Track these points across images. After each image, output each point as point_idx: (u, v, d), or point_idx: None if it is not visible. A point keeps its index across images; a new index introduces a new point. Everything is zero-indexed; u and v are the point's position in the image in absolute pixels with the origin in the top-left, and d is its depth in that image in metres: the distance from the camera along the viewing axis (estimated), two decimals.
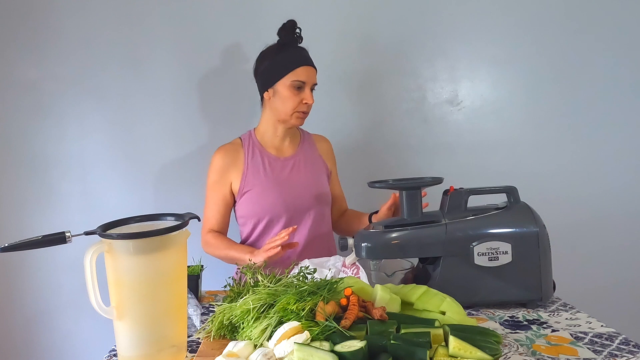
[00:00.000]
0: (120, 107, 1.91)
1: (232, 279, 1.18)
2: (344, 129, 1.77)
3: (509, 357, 0.91)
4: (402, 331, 0.86)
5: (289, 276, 1.08)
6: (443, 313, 0.97)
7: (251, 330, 0.92)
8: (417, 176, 1.40)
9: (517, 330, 1.04)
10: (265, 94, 1.53)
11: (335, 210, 1.71)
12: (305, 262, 1.27)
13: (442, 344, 0.85)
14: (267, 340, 0.89)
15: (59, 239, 0.86)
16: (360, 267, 1.23)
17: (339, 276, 1.22)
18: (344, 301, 0.93)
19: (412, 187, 1.21)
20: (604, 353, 0.92)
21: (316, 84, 1.51)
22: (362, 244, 1.17)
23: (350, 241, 1.20)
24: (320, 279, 1.05)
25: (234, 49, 1.90)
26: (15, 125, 1.90)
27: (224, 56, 1.91)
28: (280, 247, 1.28)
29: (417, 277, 1.26)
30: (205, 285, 1.35)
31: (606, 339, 0.99)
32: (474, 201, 1.20)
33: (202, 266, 1.32)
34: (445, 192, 1.25)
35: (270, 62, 1.48)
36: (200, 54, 1.90)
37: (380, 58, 1.93)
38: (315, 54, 1.52)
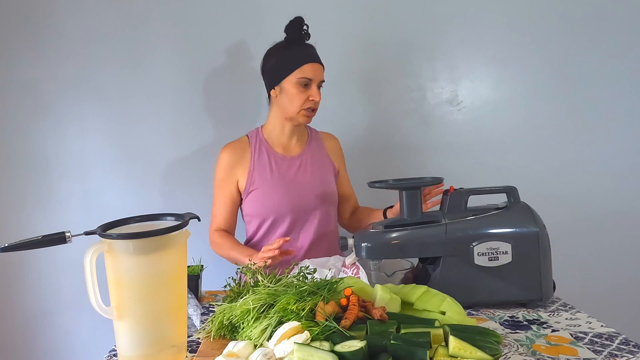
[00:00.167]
0: (120, 107, 1.91)
1: (232, 279, 1.18)
2: (343, 129, 1.77)
3: (509, 357, 0.91)
4: (402, 331, 0.86)
5: (289, 276, 1.08)
6: (443, 313, 0.97)
7: (251, 330, 0.92)
8: (417, 176, 1.40)
9: (517, 330, 1.04)
10: (272, 92, 1.52)
11: (347, 208, 1.69)
12: (305, 262, 1.27)
13: (442, 344, 0.85)
14: (267, 340, 0.89)
15: (59, 239, 0.86)
16: (360, 267, 1.23)
17: (339, 276, 1.22)
18: (344, 301, 0.93)
19: (412, 187, 1.21)
20: (604, 353, 0.92)
21: (324, 81, 1.50)
22: (362, 244, 1.17)
23: (350, 241, 1.20)
24: (320, 279, 1.05)
25: (234, 48, 1.90)
26: (15, 125, 1.90)
27: (224, 55, 1.91)
28: (277, 252, 1.26)
29: (417, 277, 1.26)
30: (205, 285, 1.35)
31: (606, 339, 0.99)
32: (474, 201, 1.20)
33: (202, 266, 1.33)
34: (445, 192, 1.25)
35: (276, 60, 1.48)
36: (201, 52, 1.90)
37: (380, 58, 1.93)
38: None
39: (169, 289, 0.90)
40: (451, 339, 0.82)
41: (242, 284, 1.14)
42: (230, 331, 0.99)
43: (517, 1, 1.90)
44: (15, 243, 0.84)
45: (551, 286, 1.18)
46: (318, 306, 0.90)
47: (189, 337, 1.04)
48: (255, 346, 0.90)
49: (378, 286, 1.01)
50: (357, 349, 0.78)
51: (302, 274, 1.08)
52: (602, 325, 1.06)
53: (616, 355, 0.91)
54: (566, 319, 1.10)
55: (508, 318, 1.12)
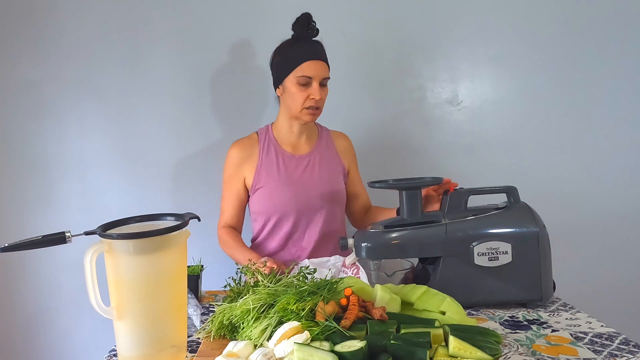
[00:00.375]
0: (120, 107, 1.91)
1: (232, 279, 1.18)
2: (343, 130, 1.76)
3: (509, 357, 0.91)
4: (402, 331, 0.86)
5: (289, 276, 1.08)
6: (443, 313, 0.97)
7: (251, 330, 0.92)
8: (417, 176, 1.40)
9: (517, 330, 1.04)
10: (277, 91, 1.52)
11: (359, 207, 1.67)
12: (305, 262, 1.27)
13: (442, 344, 0.85)
14: (267, 340, 0.89)
15: (59, 239, 0.86)
16: (360, 267, 1.24)
17: (339, 276, 1.22)
18: (344, 301, 0.93)
19: (412, 187, 1.21)
20: (604, 353, 0.92)
21: (328, 78, 1.48)
22: (362, 244, 1.17)
23: (350, 241, 1.20)
24: (320, 279, 1.05)
25: (235, 47, 1.90)
26: (15, 125, 1.90)
27: (225, 55, 1.91)
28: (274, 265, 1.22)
29: (417, 277, 1.26)
30: (205, 285, 1.35)
31: (606, 339, 0.99)
32: (474, 201, 1.20)
33: (202, 266, 1.33)
34: (445, 192, 1.25)
35: (280, 58, 1.47)
36: (201, 52, 1.90)
37: (380, 58, 1.93)
38: None
39: (169, 289, 0.90)
40: (451, 339, 0.82)
41: (242, 284, 1.14)
42: (230, 331, 0.99)
43: (516, 1, 1.90)
44: (15, 243, 0.84)
45: (551, 286, 1.18)
46: (318, 306, 0.90)
47: (189, 337, 1.04)
48: (255, 346, 0.90)
49: (378, 286, 1.01)
50: (357, 349, 0.78)
51: (302, 274, 1.08)
52: (602, 325, 1.06)
53: (616, 355, 0.91)
54: (566, 319, 1.10)
55: (508, 318, 1.12)
